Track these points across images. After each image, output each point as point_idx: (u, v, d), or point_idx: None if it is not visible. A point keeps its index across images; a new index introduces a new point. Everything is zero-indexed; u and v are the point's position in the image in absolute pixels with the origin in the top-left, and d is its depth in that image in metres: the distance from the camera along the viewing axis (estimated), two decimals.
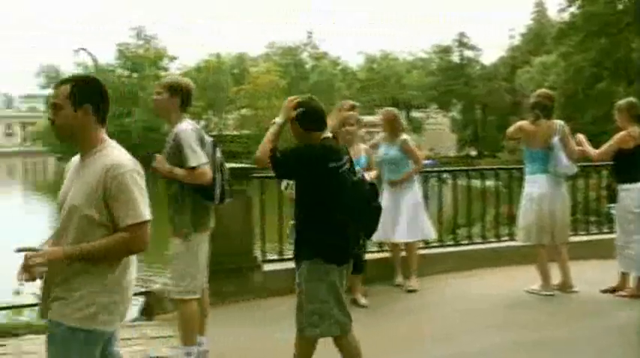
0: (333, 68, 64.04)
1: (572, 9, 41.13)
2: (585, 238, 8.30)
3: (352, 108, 6.79)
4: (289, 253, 7.38)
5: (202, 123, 55.99)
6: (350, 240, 4.05)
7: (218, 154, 4.65)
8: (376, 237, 6.96)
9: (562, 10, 42.27)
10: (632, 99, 6.62)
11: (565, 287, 6.59)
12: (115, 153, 2.91)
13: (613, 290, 6.50)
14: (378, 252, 7.36)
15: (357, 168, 4.29)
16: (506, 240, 8.02)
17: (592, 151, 6.61)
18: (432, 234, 7.11)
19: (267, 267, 6.65)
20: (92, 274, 2.83)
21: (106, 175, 2.79)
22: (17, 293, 6.91)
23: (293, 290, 6.41)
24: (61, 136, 2.99)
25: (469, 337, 5.39)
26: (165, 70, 57.46)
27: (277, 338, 4.88)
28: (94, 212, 2.80)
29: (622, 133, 6.43)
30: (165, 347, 5.12)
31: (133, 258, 2.98)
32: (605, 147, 6.54)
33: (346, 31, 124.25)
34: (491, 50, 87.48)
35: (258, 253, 6.73)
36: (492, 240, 8.20)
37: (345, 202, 3.96)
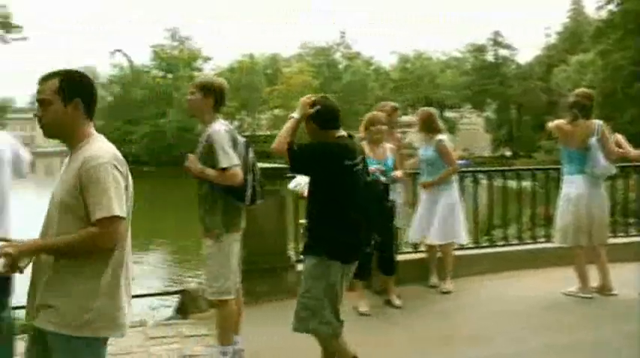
0: (366, 68, 64.01)
1: (611, 6, 40.49)
2: (625, 240, 8.13)
3: (394, 110, 6.78)
4: None
5: (235, 123, 56.39)
6: (360, 239, 4.04)
7: (250, 155, 4.65)
8: (412, 237, 6.98)
9: (600, 8, 41.68)
10: None
11: (604, 289, 6.47)
12: (95, 146, 2.79)
13: None
14: (412, 252, 7.32)
15: (372, 167, 4.28)
16: (542, 242, 7.90)
17: (631, 151, 6.48)
18: (463, 238, 6.98)
19: (300, 267, 6.63)
20: (83, 277, 2.71)
21: (82, 168, 2.69)
22: None
23: None
24: (50, 133, 2.86)
25: (504, 339, 5.32)
26: (200, 70, 58.05)
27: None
28: (74, 207, 2.70)
29: None
30: (200, 345, 5.16)
31: (128, 258, 2.87)
32: None
33: (378, 31, 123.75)
34: (526, 49, 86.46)
35: (291, 253, 6.74)
36: (528, 241, 8.09)
37: (358, 201, 3.96)
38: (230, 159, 4.44)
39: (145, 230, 22.34)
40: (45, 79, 2.82)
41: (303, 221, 4.17)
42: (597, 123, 6.40)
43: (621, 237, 8.24)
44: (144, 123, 55.08)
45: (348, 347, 4.12)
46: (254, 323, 5.23)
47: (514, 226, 8.61)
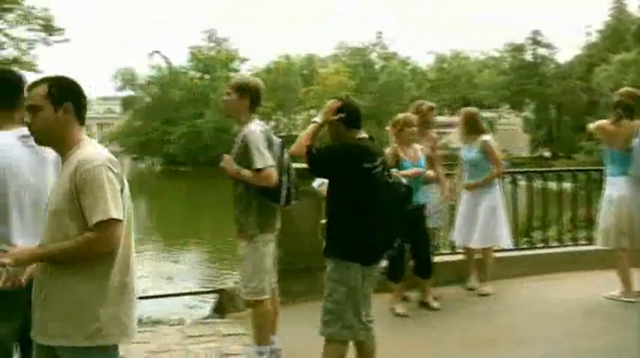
0: (402, 68, 63.72)
1: None
2: None
3: (430, 110, 6.73)
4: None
5: (271, 123, 56.64)
6: (379, 241, 4.01)
7: (286, 156, 4.65)
8: (458, 241, 6.84)
9: None
10: None
11: None
12: (88, 149, 2.75)
13: None
14: (450, 254, 7.26)
15: (394, 170, 4.25)
16: (584, 244, 7.77)
17: None
18: (505, 241, 6.86)
19: None
20: (88, 285, 2.67)
21: (76, 171, 2.65)
22: None
23: None
24: (41, 139, 2.82)
25: (545, 343, 5.25)
26: (236, 71, 58.41)
27: None
28: (71, 211, 2.65)
29: None
30: (237, 344, 5.19)
31: (132, 261, 2.82)
32: None
33: (414, 32, 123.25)
34: (566, 48, 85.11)
35: None
36: (569, 243, 7.96)
37: (377, 203, 3.93)
38: (265, 159, 4.44)
39: (181, 230, 22.65)
40: (33, 86, 2.80)
41: (323, 221, 4.16)
42: None
43: None
44: (181, 123, 55.61)
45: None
46: (291, 322, 5.24)
47: (554, 228, 8.48)
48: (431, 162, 6.36)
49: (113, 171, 2.70)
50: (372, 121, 50.74)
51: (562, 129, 57.90)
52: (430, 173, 6.10)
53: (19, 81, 3.35)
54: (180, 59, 64.25)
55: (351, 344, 4.09)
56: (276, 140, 4.68)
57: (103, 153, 2.75)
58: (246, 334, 5.22)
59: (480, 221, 6.62)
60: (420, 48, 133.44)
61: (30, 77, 3.50)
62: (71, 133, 2.78)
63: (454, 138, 7.08)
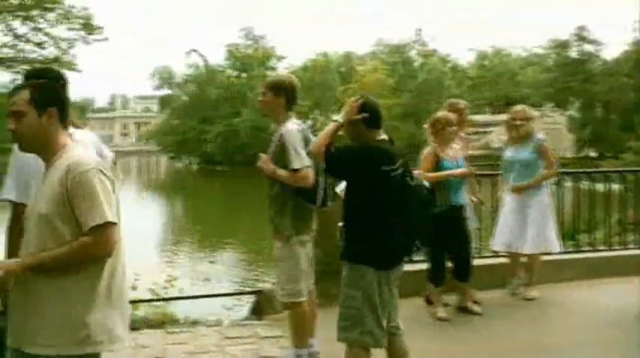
0: (442, 66, 63.24)
1: None
2: None
3: (466, 108, 6.65)
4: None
5: (309, 122, 56.69)
6: (398, 246, 3.95)
7: None
8: (501, 246, 6.69)
9: None
10: None
11: None
12: (76, 153, 2.73)
13: None
14: (491, 257, 7.15)
15: (416, 172, 4.19)
16: (633, 248, 7.60)
17: None
18: (557, 246, 6.68)
19: None
20: (75, 291, 2.64)
21: (67, 175, 2.63)
22: (133, 288, 7.26)
23: (403, 294, 6.40)
24: (26, 145, 2.79)
25: (595, 351, 5.14)
26: (274, 69, 58.66)
27: None
28: (61, 217, 2.63)
29: None
30: (275, 347, 5.19)
31: (120, 264, 2.81)
32: None
33: (454, 29, 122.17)
34: (613, 45, 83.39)
35: None
36: (617, 247, 7.79)
37: (396, 206, 3.88)
38: (302, 160, 4.42)
39: (218, 230, 22.81)
40: (15, 91, 2.78)
41: (340, 224, 4.13)
42: None
43: None
44: (218, 122, 56.10)
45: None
46: (329, 325, 5.18)
47: (601, 231, 8.32)
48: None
49: (105, 174, 2.70)
50: (410, 120, 50.59)
51: (609, 128, 56.79)
52: (460, 171, 5.99)
53: (61, 80, 3.40)
54: (218, 57, 64.90)
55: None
56: (314, 139, 4.66)
57: (93, 157, 2.76)
58: (284, 336, 5.22)
59: (530, 225, 6.43)
60: (460, 45, 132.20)
61: (70, 76, 3.56)
62: (56, 138, 2.76)
63: (495, 137, 6.93)
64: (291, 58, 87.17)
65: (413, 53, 65.67)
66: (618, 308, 6.16)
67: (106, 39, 21.73)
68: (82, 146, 2.84)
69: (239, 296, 7.97)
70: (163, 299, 6.74)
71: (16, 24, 20.47)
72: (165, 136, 63.14)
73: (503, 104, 53.80)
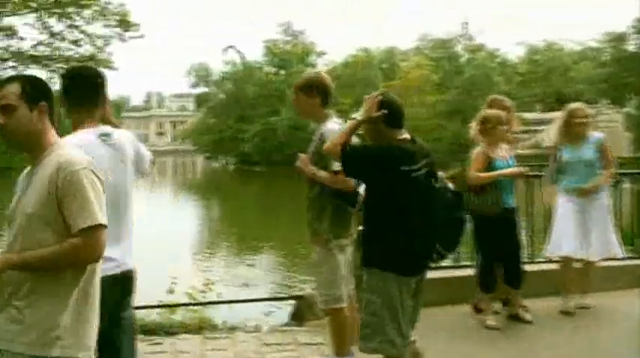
0: (490, 61, 62.56)
1: None
2: None
3: (511, 105, 6.56)
4: (446, 261, 7.29)
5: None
6: (419, 251, 3.91)
7: None
8: (560, 252, 6.53)
9: None
10: None
11: None
12: (65, 152, 2.70)
13: None
14: (544, 262, 7.05)
15: (440, 173, 4.12)
16: None
17: None
18: (619, 251, 6.52)
19: None
20: (50, 290, 2.62)
21: (58, 174, 2.59)
22: (170, 291, 7.35)
23: (449, 301, 6.39)
24: (14, 142, 2.74)
25: None
26: (313, 66, 58.80)
27: (435, 350, 4.82)
28: (48, 217, 2.60)
29: None
30: (316, 354, 5.20)
31: (100, 271, 2.78)
32: None
33: (502, 21, 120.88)
34: None
35: None
36: None
37: (417, 209, 3.83)
38: None
39: (255, 232, 22.93)
40: (5, 83, 2.72)
41: (360, 228, 4.09)
42: None
43: None
44: (256, 121, 56.44)
45: None
46: None
47: None
48: None
49: (96, 174, 2.69)
50: (456, 118, 50.18)
51: None
52: (509, 171, 5.90)
53: (100, 79, 3.46)
54: (255, 54, 65.46)
55: None
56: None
57: (83, 156, 2.72)
58: (325, 344, 5.23)
59: (592, 230, 6.28)
60: (508, 40, 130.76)
61: (106, 74, 3.62)
62: (45, 135, 2.73)
63: (547, 136, 6.79)
64: (331, 54, 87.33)
65: (459, 48, 65.14)
66: None
67: (142, 36, 22.04)
68: (70, 144, 2.81)
69: (278, 302, 8.01)
70: (201, 304, 6.80)
71: (52, 21, 20.91)
72: (201, 135, 63.81)
73: (554, 101, 53.02)
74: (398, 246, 3.83)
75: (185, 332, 5.87)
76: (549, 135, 6.94)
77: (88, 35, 21.14)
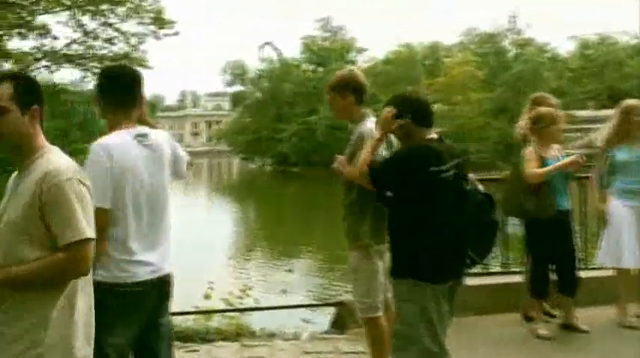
0: (539, 56, 61.75)
1: None
2: None
3: (557, 104, 6.45)
4: (494, 266, 7.23)
5: None
6: (449, 257, 3.85)
7: None
8: (611, 261, 6.38)
9: None
10: None
11: None
12: (53, 159, 2.64)
13: None
14: (599, 269, 6.92)
15: (471, 175, 4.06)
16: None
17: None
18: None
19: (469, 281, 6.50)
20: (33, 305, 2.56)
21: (42, 184, 2.54)
22: (207, 297, 7.42)
23: (497, 308, 6.32)
24: (7, 146, 2.69)
25: None
26: (353, 63, 58.65)
27: None
28: (31, 229, 2.55)
29: None
30: None
31: (87, 282, 2.72)
32: None
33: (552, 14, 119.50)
34: None
35: None
36: None
37: (447, 213, 3.78)
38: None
39: (293, 236, 22.99)
40: None
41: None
42: None
43: None
44: (293, 120, 56.57)
45: None
46: None
47: None
48: None
49: (84, 183, 2.64)
50: (503, 115, 49.65)
51: None
52: (566, 161, 5.80)
53: (137, 78, 3.49)
54: (293, 51, 65.62)
55: None
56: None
57: (72, 164, 2.66)
58: (367, 353, 5.21)
59: None
60: (559, 32, 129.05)
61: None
62: (36, 140, 2.68)
63: (601, 135, 6.63)
64: (371, 50, 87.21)
65: (506, 42, 64.44)
66: None
67: (176, 33, 22.27)
68: (56, 150, 2.73)
69: (318, 308, 8.02)
70: (238, 310, 6.85)
71: (86, 19, 21.25)
72: (237, 135, 64.17)
73: (606, 97, 52.12)
74: (428, 254, 3.79)
75: (222, 339, 5.92)
76: (602, 134, 6.80)
77: (122, 33, 21.43)
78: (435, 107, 55.71)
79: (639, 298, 6.36)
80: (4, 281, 2.55)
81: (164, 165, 3.46)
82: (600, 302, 6.44)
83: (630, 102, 6.43)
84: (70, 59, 20.59)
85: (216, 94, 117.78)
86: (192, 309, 6.79)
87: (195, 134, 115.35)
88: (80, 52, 21.08)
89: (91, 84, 18.66)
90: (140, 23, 21.65)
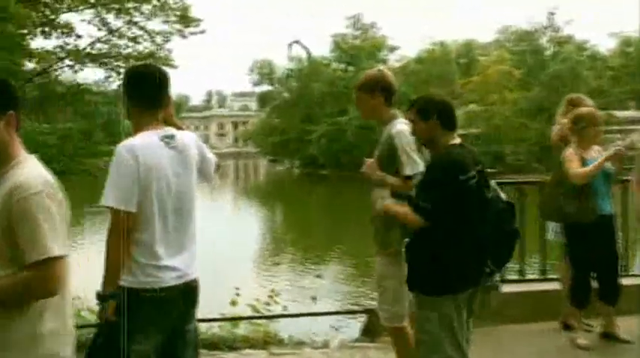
0: (578, 54, 61.15)
1: None
2: None
3: (592, 105, 6.38)
4: (532, 273, 7.17)
5: None
6: (470, 267, 3.82)
7: None
8: None
9: None
10: None
11: None
12: (25, 171, 2.56)
13: None
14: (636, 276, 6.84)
15: (493, 182, 4.01)
16: None
17: None
18: None
19: (505, 288, 6.45)
20: (20, 323, 2.52)
21: (11, 199, 2.48)
22: (233, 303, 7.44)
23: (535, 317, 6.26)
24: None
25: None
26: (384, 62, 58.66)
27: None
28: (4, 239, 2.49)
29: None
30: None
31: (67, 301, 2.68)
32: None
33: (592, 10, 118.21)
34: None
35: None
36: None
37: (469, 222, 3.75)
38: (415, 165, 4.31)
39: (322, 241, 23.03)
40: None
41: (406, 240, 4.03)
42: None
43: None
44: (323, 121, 56.61)
45: None
46: None
47: None
48: None
49: (54, 198, 2.56)
50: (540, 116, 49.22)
51: None
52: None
53: (163, 78, 3.50)
54: (322, 49, 65.61)
55: None
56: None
57: (42, 176, 2.58)
58: None
59: None
60: (599, 29, 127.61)
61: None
62: (12, 148, 2.62)
63: None
64: (404, 48, 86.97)
65: (544, 40, 63.90)
66: None
67: (202, 32, 22.38)
68: (31, 159, 2.67)
69: (348, 315, 8.01)
70: (266, 317, 6.85)
71: (110, 18, 21.44)
72: (264, 137, 64.44)
73: None
74: (449, 265, 3.78)
75: (249, 347, 5.93)
76: None
77: (147, 32, 21.59)
78: (470, 107, 55.78)
79: None
80: None
81: (191, 168, 3.46)
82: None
83: None
84: (94, 58, 20.77)
85: (243, 94, 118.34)
86: (218, 316, 6.80)
87: (221, 135, 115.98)
88: (104, 52, 21.26)
89: (114, 84, 18.82)
90: (166, 21, 21.80)
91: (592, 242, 5.62)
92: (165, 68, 3.86)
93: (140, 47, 22.18)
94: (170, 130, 3.42)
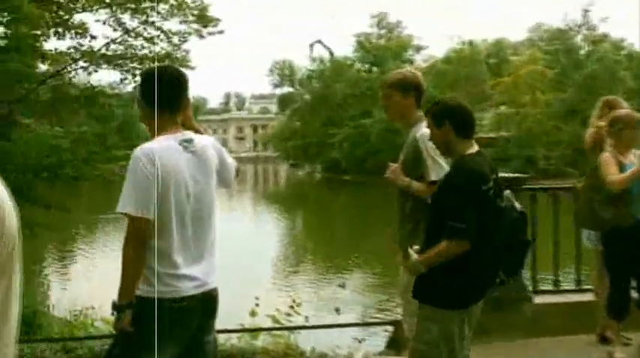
0: (615, 53, 60.69)
1: None
2: None
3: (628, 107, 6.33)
4: (567, 283, 7.12)
5: None
6: (484, 279, 3.82)
7: None
8: None
9: None
10: None
11: None
12: None
13: None
14: None
15: (507, 192, 3.98)
16: None
17: None
18: None
19: (539, 299, 6.42)
20: None
21: None
22: (253, 314, 7.45)
23: (570, 329, 6.22)
24: None
25: None
26: (411, 62, 58.59)
27: None
28: None
29: None
30: None
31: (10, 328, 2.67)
32: None
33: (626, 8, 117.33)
34: None
35: (527, 281, 6.52)
36: None
37: (485, 233, 3.72)
38: (441, 170, 4.28)
39: (345, 249, 23.02)
40: None
41: (416, 247, 4.01)
42: None
43: None
44: (345, 124, 56.62)
45: None
46: None
47: None
48: None
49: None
50: (575, 118, 48.88)
51: None
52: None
53: (181, 80, 3.51)
54: (345, 49, 65.59)
55: None
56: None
57: None
58: None
59: None
60: (635, 28, 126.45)
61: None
62: None
63: None
64: (431, 48, 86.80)
65: (578, 39, 63.49)
66: None
67: (221, 32, 22.48)
68: None
69: (373, 327, 8.00)
70: (287, 328, 6.86)
71: (126, 18, 21.59)
72: (284, 140, 64.55)
73: None
74: (467, 279, 3.79)
75: None
76: None
77: (164, 32, 21.71)
78: (501, 109, 55.54)
79: None
80: None
81: (210, 173, 3.47)
82: None
83: None
84: (108, 60, 20.87)
85: (263, 96, 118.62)
86: (237, 327, 6.82)
87: (240, 139, 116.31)
88: (119, 53, 21.38)
89: (130, 86, 18.96)
90: (183, 21, 21.94)
91: (631, 248, 5.56)
92: (182, 69, 3.87)
93: (157, 48, 22.32)
94: (188, 134, 3.43)
